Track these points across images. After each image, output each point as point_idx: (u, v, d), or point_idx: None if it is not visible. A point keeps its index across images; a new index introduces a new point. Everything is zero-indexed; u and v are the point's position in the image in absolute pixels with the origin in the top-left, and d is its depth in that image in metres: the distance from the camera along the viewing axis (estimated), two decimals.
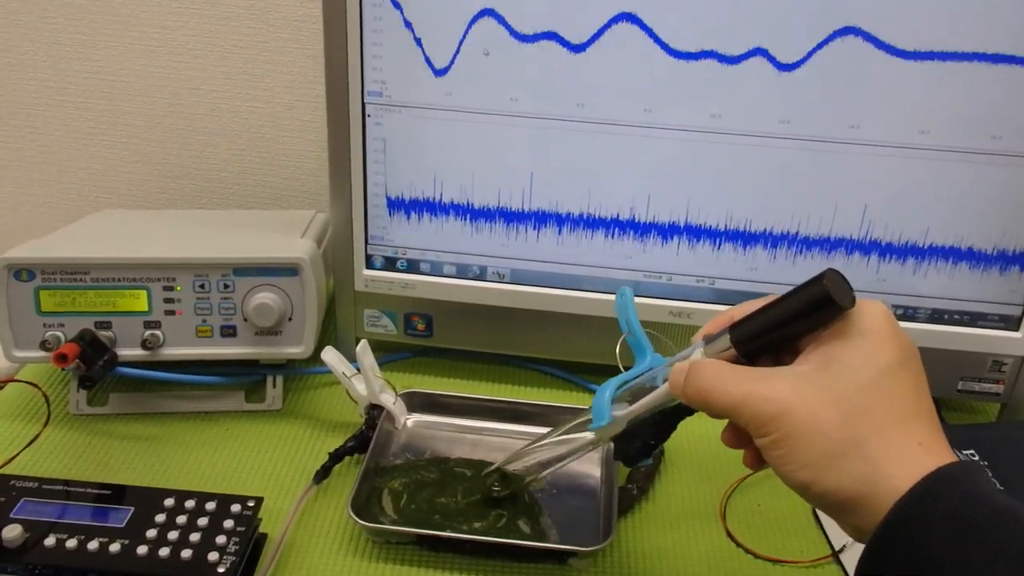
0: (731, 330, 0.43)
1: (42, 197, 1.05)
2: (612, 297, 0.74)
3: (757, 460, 0.43)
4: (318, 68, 0.93)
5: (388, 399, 0.72)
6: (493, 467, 0.64)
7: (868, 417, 0.38)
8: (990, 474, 0.67)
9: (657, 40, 0.65)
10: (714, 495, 0.69)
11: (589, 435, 0.52)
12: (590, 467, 0.69)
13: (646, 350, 0.50)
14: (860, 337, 0.40)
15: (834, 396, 0.38)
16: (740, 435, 0.44)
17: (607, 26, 0.66)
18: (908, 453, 0.37)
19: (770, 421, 0.39)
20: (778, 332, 0.42)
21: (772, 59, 0.65)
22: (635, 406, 0.48)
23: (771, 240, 0.72)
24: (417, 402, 0.75)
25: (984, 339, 0.73)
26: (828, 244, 0.71)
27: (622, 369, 0.50)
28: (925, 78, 0.64)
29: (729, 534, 0.65)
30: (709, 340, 0.44)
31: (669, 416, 0.48)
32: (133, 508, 0.59)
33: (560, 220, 0.73)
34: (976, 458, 0.69)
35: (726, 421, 0.45)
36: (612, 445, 0.52)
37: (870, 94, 0.65)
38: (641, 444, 0.50)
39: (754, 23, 0.64)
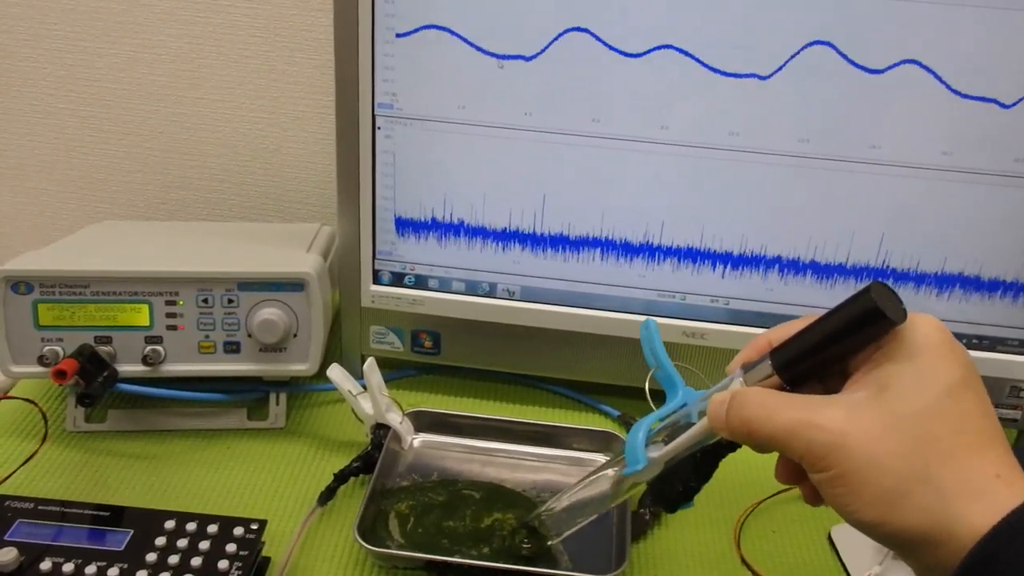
0: (772, 355, 0.40)
1: (41, 207, 1.03)
2: (624, 316, 0.74)
3: (817, 496, 0.38)
4: (326, 78, 0.92)
5: (395, 418, 0.70)
6: (521, 524, 0.61)
7: (935, 445, 0.35)
8: None
9: (685, 56, 0.64)
10: (728, 520, 0.68)
11: (618, 474, 0.49)
12: (602, 491, 0.67)
13: (677, 384, 0.46)
14: (916, 355, 0.36)
15: (894, 423, 0.35)
16: (795, 469, 0.40)
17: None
18: (985, 486, 0.34)
19: (827, 455, 0.35)
20: (824, 353, 0.38)
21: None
22: (671, 446, 0.44)
23: (787, 264, 0.70)
24: (424, 421, 0.73)
25: (1003, 364, 0.72)
26: (845, 268, 0.70)
27: (652, 407, 0.47)
28: (947, 98, 0.63)
29: (744, 561, 0.64)
30: (748, 368, 0.41)
31: (709, 454, 0.45)
32: (132, 530, 0.57)
33: (572, 239, 0.72)
34: None
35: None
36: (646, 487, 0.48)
37: (891, 114, 0.64)
38: (682, 487, 0.46)
39: (778, 42, 0.63)
